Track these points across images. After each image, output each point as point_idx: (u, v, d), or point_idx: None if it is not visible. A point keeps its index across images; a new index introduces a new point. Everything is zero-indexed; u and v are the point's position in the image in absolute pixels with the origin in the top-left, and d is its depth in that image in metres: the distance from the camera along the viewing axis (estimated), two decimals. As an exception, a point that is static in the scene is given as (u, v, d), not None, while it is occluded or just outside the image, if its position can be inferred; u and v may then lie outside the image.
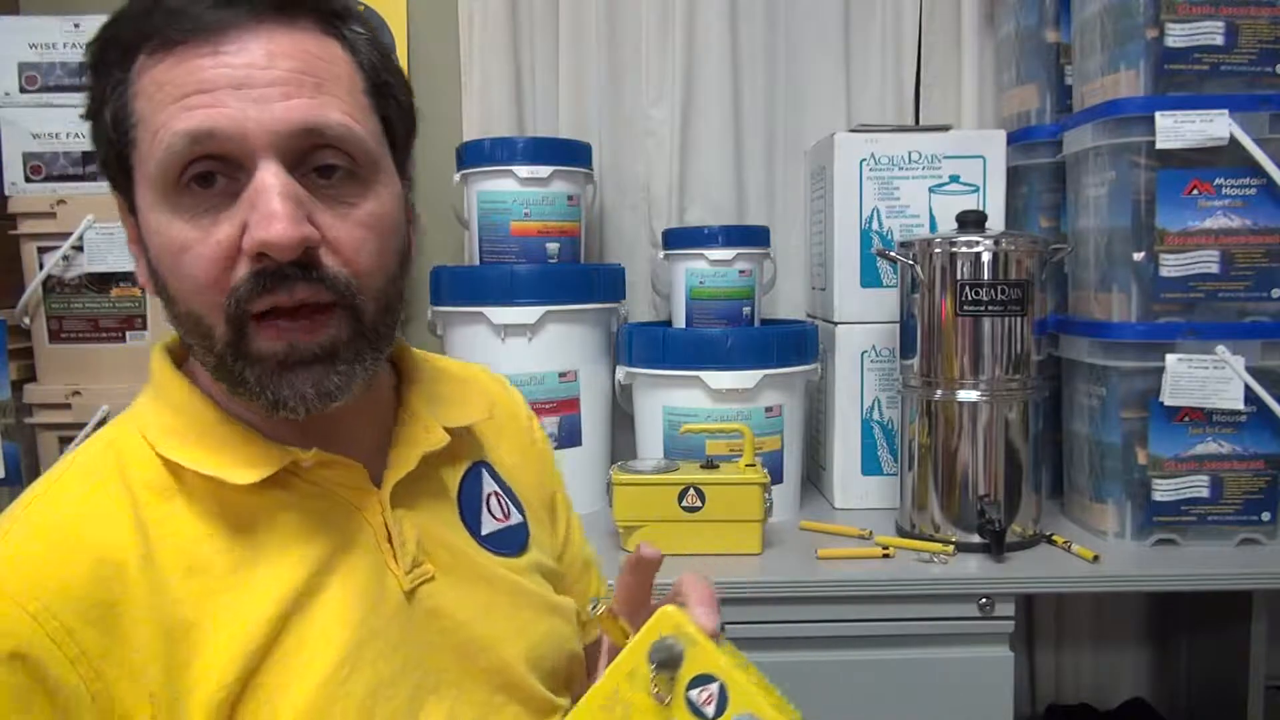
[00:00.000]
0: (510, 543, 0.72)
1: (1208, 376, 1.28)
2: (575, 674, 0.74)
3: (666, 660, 0.55)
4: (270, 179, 0.54)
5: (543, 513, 0.78)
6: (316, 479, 0.63)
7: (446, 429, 0.69)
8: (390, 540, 0.64)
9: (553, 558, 0.77)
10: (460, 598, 0.66)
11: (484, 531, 0.70)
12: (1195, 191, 1.29)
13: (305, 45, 0.57)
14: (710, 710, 0.55)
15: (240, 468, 0.59)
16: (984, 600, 1.22)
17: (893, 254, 1.38)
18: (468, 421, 0.72)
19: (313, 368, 0.57)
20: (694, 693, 0.55)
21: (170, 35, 0.55)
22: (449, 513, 0.70)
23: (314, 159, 0.57)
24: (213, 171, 0.55)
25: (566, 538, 0.83)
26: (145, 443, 0.61)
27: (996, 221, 1.46)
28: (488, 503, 0.72)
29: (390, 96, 0.62)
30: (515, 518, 0.74)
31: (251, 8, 0.56)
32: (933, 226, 1.49)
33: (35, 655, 0.53)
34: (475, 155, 1.54)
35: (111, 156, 0.59)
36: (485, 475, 0.74)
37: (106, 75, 0.58)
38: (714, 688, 0.55)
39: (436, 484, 0.69)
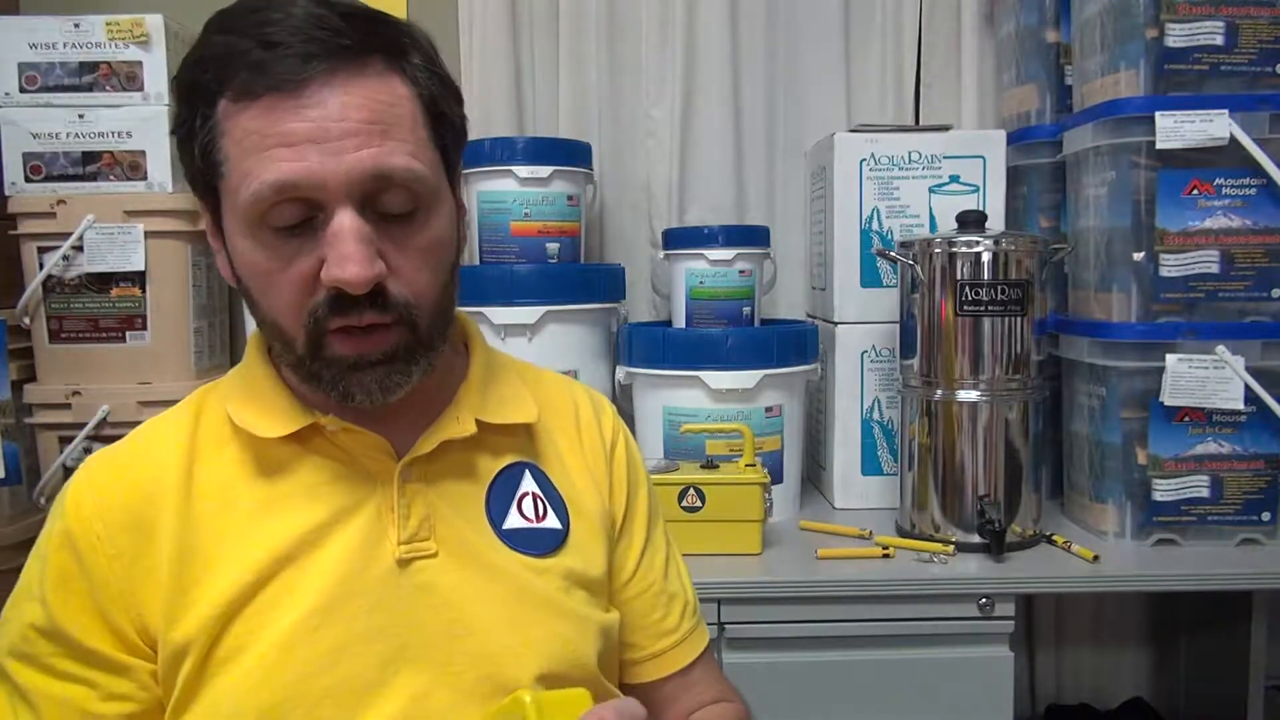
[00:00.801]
0: (535, 543, 0.73)
1: (1208, 376, 1.28)
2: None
3: None
4: (346, 222, 0.62)
5: (599, 526, 0.78)
6: (343, 445, 0.70)
7: (487, 423, 0.73)
8: (394, 510, 0.69)
9: (600, 571, 0.77)
10: (459, 580, 0.69)
11: (506, 526, 0.73)
12: (1195, 191, 1.29)
13: (373, 92, 0.63)
14: None
15: (269, 424, 0.69)
16: (984, 600, 1.22)
17: (893, 254, 1.38)
18: (503, 420, 0.75)
19: (376, 369, 0.66)
20: None
21: (257, 83, 0.61)
22: (473, 500, 0.73)
23: (382, 199, 0.64)
24: (297, 212, 0.63)
25: (643, 562, 0.82)
26: (221, 399, 0.72)
27: (996, 221, 1.46)
28: (520, 501, 0.74)
29: (447, 122, 0.69)
30: (552, 522, 0.75)
31: (326, 61, 0.62)
32: (933, 226, 1.49)
33: (83, 545, 0.66)
34: (475, 155, 1.54)
35: (198, 176, 0.67)
36: (528, 475, 0.76)
37: (193, 109, 0.65)
38: None
39: (467, 471, 0.73)
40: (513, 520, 0.73)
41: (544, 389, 0.82)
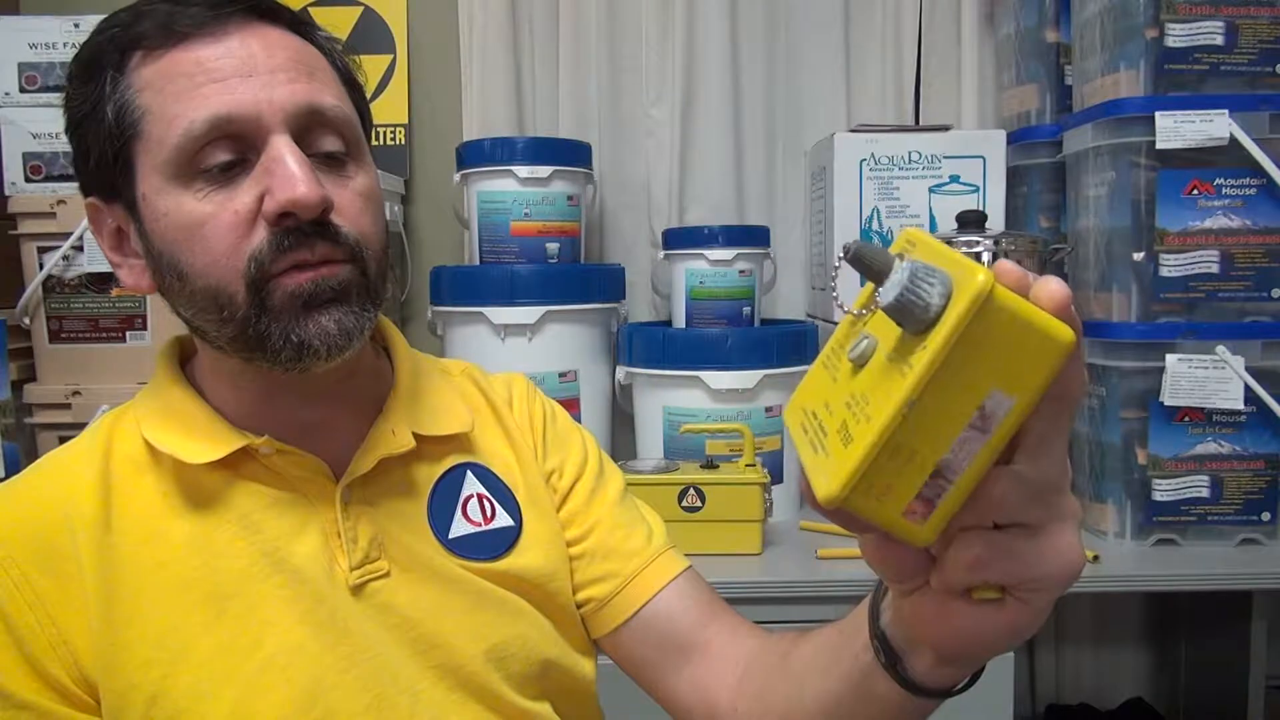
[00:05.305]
0: (486, 547, 0.70)
1: (1208, 376, 1.28)
2: (560, 681, 0.72)
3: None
4: (286, 149, 0.60)
5: (542, 497, 0.75)
6: (278, 469, 0.66)
7: (420, 435, 0.70)
8: (340, 535, 0.65)
9: (560, 554, 0.74)
10: (415, 596, 0.67)
11: (452, 535, 0.70)
12: (1195, 191, 1.29)
13: (291, 41, 0.64)
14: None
15: (197, 448, 0.64)
16: (984, 600, 1.21)
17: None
18: (440, 432, 0.71)
19: (332, 306, 0.61)
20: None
21: (173, 30, 0.60)
22: (415, 513, 0.69)
23: (314, 138, 0.62)
24: (229, 151, 0.60)
25: (595, 498, 0.77)
26: (135, 423, 0.66)
27: (996, 221, 1.46)
28: (465, 505, 0.71)
29: (359, 91, 0.70)
30: (503, 520, 0.72)
31: (243, 13, 0.62)
32: (933, 226, 1.49)
33: (0, 595, 0.60)
34: (475, 155, 1.54)
35: (109, 154, 0.62)
36: (469, 477, 0.72)
37: (99, 77, 0.61)
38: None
39: (406, 484, 0.70)
40: (459, 527, 0.70)
41: (458, 387, 0.77)
